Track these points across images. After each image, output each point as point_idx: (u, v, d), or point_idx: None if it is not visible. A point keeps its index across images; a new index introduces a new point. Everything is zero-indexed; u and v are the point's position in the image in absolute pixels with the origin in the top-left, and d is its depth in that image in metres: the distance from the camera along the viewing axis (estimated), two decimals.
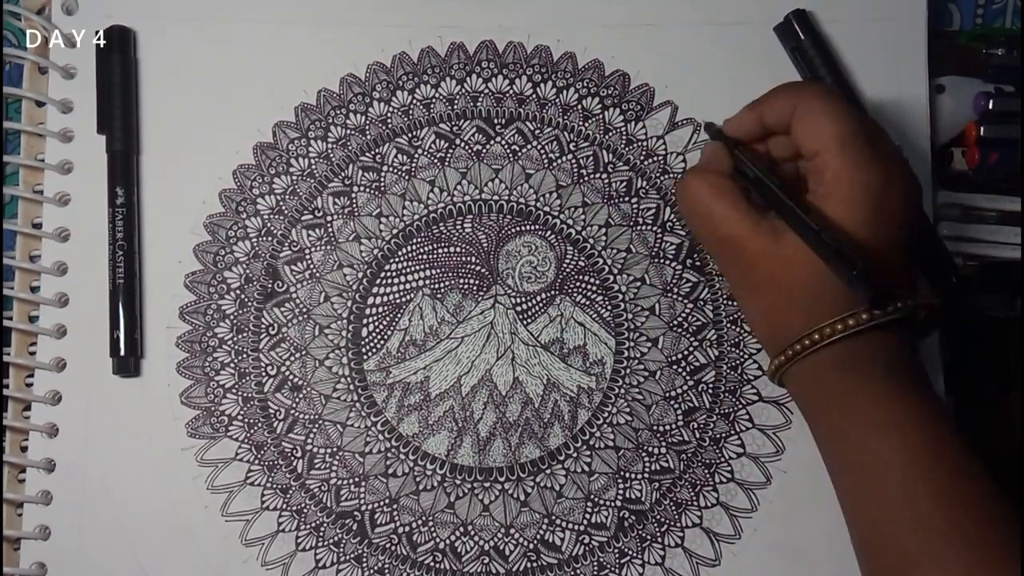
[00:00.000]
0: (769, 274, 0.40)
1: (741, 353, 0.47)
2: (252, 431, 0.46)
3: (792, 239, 0.39)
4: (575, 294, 0.48)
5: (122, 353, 0.46)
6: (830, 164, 0.39)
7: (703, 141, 0.48)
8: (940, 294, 0.46)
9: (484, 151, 0.48)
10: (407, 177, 0.48)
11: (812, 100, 0.40)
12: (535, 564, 0.46)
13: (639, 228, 0.48)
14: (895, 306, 0.38)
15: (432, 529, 0.46)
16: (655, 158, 0.48)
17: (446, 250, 0.48)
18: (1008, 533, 0.36)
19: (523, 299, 0.48)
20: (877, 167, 0.39)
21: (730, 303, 0.47)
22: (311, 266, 0.47)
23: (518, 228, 0.48)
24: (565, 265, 0.48)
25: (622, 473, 0.46)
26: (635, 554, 0.46)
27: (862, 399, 0.39)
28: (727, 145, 0.43)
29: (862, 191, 0.39)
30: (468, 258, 0.48)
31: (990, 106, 0.47)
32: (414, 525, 0.46)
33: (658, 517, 0.46)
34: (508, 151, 0.48)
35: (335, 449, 0.46)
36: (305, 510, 0.46)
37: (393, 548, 0.45)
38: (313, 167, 0.48)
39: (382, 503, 0.46)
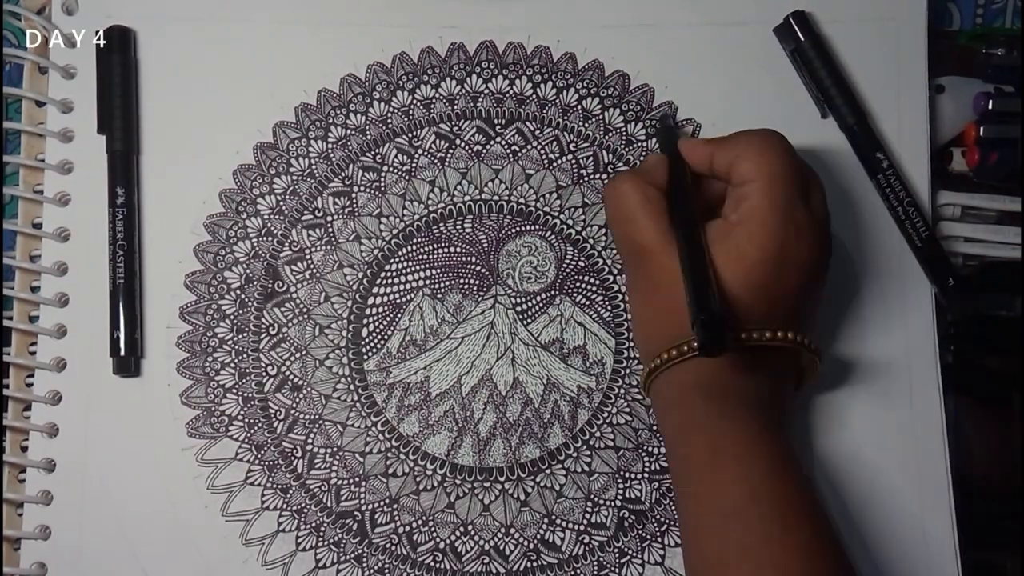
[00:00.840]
0: (664, 287, 0.40)
1: None
2: (252, 431, 0.46)
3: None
4: (575, 294, 0.48)
5: (122, 353, 0.46)
6: (751, 196, 0.40)
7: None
8: (939, 295, 0.47)
9: (484, 151, 0.48)
10: (407, 177, 0.48)
11: (761, 138, 0.41)
12: (535, 564, 0.46)
13: None
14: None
15: (432, 529, 0.46)
16: None
17: (446, 250, 0.48)
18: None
19: (523, 299, 0.48)
20: (795, 214, 0.39)
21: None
22: (311, 266, 0.47)
23: (518, 228, 0.48)
24: (565, 265, 0.48)
25: (622, 473, 0.46)
26: (635, 554, 0.46)
27: (710, 424, 0.39)
28: (670, 161, 0.43)
29: (771, 231, 0.39)
30: (468, 258, 0.48)
31: (990, 106, 0.47)
32: (414, 525, 0.46)
33: (658, 517, 0.46)
34: (508, 151, 0.48)
35: (335, 449, 0.46)
36: (305, 510, 0.46)
37: (393, 548, 0.46)
38: (313, 167, 0.48)
39: (382, 503, 0.46)
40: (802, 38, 0.47)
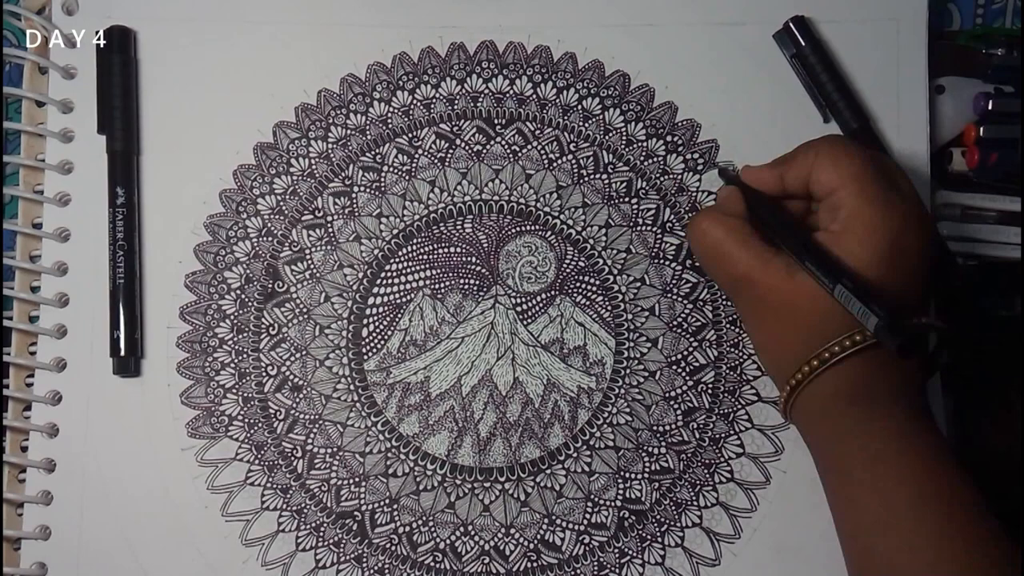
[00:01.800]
0: (780, 308, 0.40)
1: (741, 353, 0.47)
2: (252, 431, 0.46)
3: (804, 276, 0.39)
4: (575, 294, 0.48)
5: (122, 353, 0.46)
6: (846, 201, 0.39)
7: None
8: (943, 296, 0.47)
9: (484, 151, 0.48)
10: (407, 177, 0.48)
11: (830, 145, 0.41)
12: (535, 564, 0.46)
13: (639, 229, 0.48)
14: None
15: (432, 529, 0.46)
16: (655, 159, 0.48)
17: (446, 250, 0.48)
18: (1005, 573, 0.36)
19: (523, 299, 0.48)
20: (893, 205, 0.39)
21: (729, 304, 0.47)
22: (311, 266, 0.47)
23: (518, 228, 0.48)
24: (565, 265, 0.48)
25: (622, 473, 0.46)
26: (635, 554, 0.46)
27: (861, 430, 0.39)
28: (742, 190, 0.43)
29: (879, 228, 0.39)
30: (468, 258, 0.48)
31: (990, 106, 0.47)
32: (414, 525, 0.46)
33: (658, 517, 0.46)
34: (508, 151, 0.48)
35: (335, 449, 0.46)
36: (305, 510, 0.46)
37: (393, 548, 0.46)
38: (313, 167, 0.48)
39: (382, 503, 0.46)
40: (802, 43, 0.47)
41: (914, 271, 0.39)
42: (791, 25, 0.47)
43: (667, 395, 0.47)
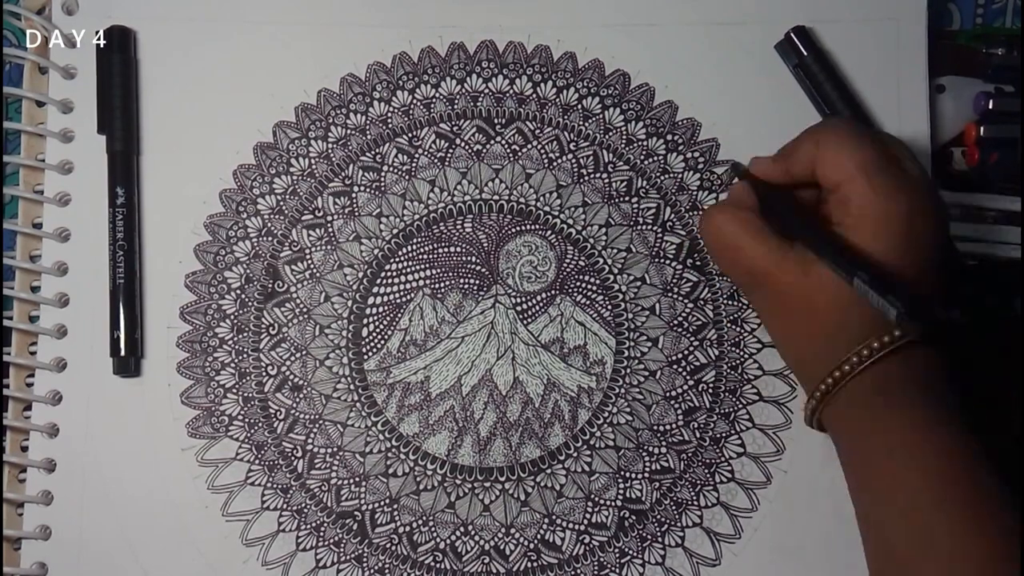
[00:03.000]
0: (798, 303, 0.40)
1: (741, 353, 0.47)
2: (252, 431, 0.46)
3: (821, 270, 0.39)
4: (575, 294, 0.48)
5: (122, 353, 0.46)
6: (855, 193, 0.39)
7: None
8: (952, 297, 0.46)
9: (484, 151, 0.48)
10: (407, 177, 0.48)
11: (833, 133, 0.40)
12: (535, 564, 0.46)
13: (639, 228, 0.48)
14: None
15: (432, 529, 0.46)
16: (655, 158, 0.48)
17: (446, 250, 0.48)
18: None
19: (523, 299, 0.48)
20: (904, 193, 0.38)
21: (730, 302, 0.47)
22: (311, 266, 0.47)
23: (518, 228, 0.48)
24: (565, 265, 0.48)
25: (622, 473, 0.46)
26: (635, 554, 0.46)
27: (886, 423, 0.38)
28: (753, 184, 0.43)
29: (890, 219, 0.38)
30: (468, 258, 0.48)
31: (990, 106, 0.47)
32: (414, 525, 0.46)
33: (658, 517, 0.46)
34: (508, 151, 0.48)
35: (335, 449, 0.46)
36: (305, 510, 0.46)
37: (393, 548, 0.45)
38: (313, 167, 0.48)
39: (382, 503, 0.46)
40: (804, 53, 0.47)
41: (930, 257, 0.39)
42: (792, 36, 0.47)
43: (668, 395, 0.47)
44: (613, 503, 0.46)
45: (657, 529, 0.46)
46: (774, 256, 0.40)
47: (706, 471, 0.46)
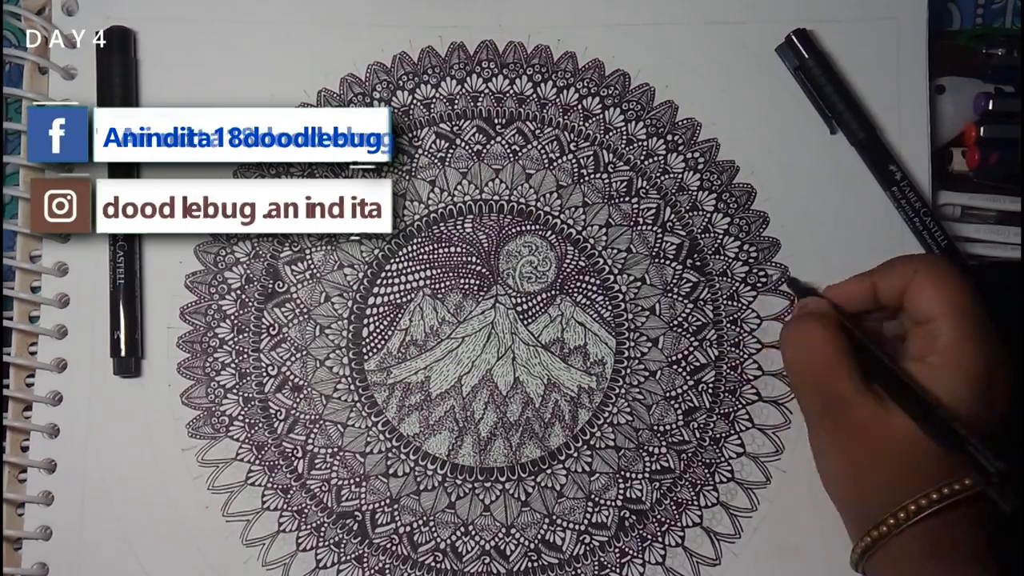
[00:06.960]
0: (871, 441, 0.38)
1: (741, 353, 0.47)
2: (253, 431, 0.46)
3: (899, 412, 0.38)
4: (575, 294, 0.48)
5: (123, 354, 0.46)
6: (945, 332, 0.38)
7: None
8: None
9: (484, 151, 0.48)
10: (407, 177, 0.48)
11: (934, 265, 0.39)
12: (536, 564, 0.46)
13: (639, 228, 0.48)
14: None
15: (433, 529, 0.46)
16: (655, 158, 0.48)
17: (446, 250, 0.48)
18: None
19: (523, 299, 0.48)
20: (991, 340, 0.38)
21: (730, 303, 0.47)
22: (312, 266, 0.47)
23: (518, 228, 0.48)
24: (565, 265, 0.48)
25: (623, 473, 0.46)
26: (636, 553, 0.46)
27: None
28: (837, 311, 0.41)
29: (977, 363, 0.37)
30: (468, 258, 0.48)
31: (990, 106, 0.47)
32: (415, 525, 0.46)
33: (658, 517, 0.46)
34: (508, 151, 0.48)
35: (336, 449, 0.46)
36: (306, 510, 0.46)
37: (394, 548, 0.46)
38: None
39: (383, 503, 0.46)
40: (805, 56, 0.47)
41: (1005, 406, 0.38)
42: (793, 38, 0.47)
43: (667, 395, 0.47)
44: (613, 503, 0.46)
45: (657, 529, 0.46)
46: (859, 386, 0.38)
47: (706, 471, 0.46)
